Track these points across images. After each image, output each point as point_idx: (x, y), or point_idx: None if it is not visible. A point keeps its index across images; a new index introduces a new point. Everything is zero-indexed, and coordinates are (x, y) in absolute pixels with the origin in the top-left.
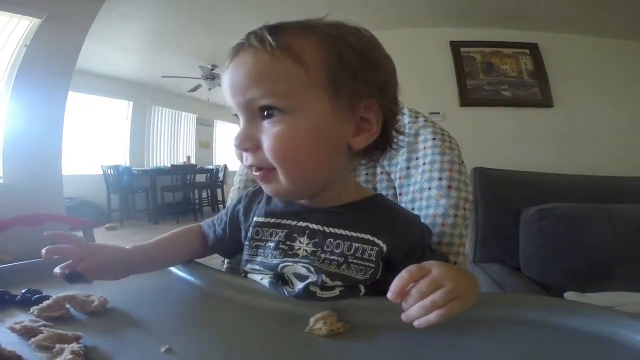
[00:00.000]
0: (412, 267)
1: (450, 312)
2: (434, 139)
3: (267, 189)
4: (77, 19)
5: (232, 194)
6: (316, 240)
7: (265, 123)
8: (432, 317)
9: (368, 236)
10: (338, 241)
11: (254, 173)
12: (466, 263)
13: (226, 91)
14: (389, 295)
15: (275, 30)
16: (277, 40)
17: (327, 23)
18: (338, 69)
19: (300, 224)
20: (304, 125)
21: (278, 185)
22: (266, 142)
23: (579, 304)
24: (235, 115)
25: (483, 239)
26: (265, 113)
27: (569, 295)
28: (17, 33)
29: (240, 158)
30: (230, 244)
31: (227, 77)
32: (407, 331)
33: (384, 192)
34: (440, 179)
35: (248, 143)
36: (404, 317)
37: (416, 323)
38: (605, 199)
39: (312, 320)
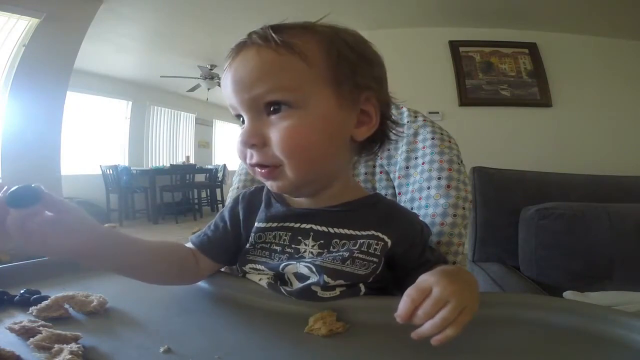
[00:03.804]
0: (412, 292)
1: (462, 324)
2: (433, 138)
3: (272, 185)
4: (75, 19)
5: (231, 194)
6: (322, 241)
7: (273, 118)
8: (449, 332)
9: (372, 232)
10: (344, 241)
11: (259, 170)
12: (465, 262)
13: (228, 89)
14: (397, 319)
15: (277, 28)
16: (280, 37)
17: (322, 24)
18: (338, 63)
19: (304, 225)
20: (312, 118)
21: (284, 181)
22: (275, 136)
23: (578, 304)
24: (238, 116)
25: (482, 239)
26: (272, 109)
27: (568, 294)
28: (15, 33)
29: (244, 157)
30: (232, 241)
31: (230, 75)
32: (406, 331)
33: (383, 192)
34: (439, 178)
35: (255, 139)
36: (414, 335)
37: (434, 340)
38: (605, 198)
39: (311, 320)
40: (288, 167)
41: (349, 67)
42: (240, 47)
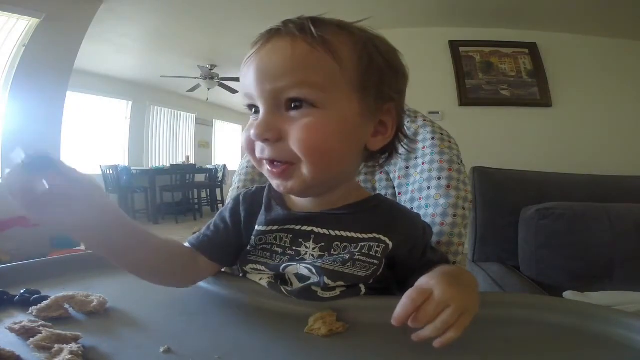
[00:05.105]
0: (412, 293)
1: (463, 327)
2: (433, 138)
3: (281, 185)
4: (75, 19)
5: (231, 194)
6: (323, 244)
7: (293, 113)
8: (451, 335)
9: (374, 234)
10: (345, 244)
11: (269, 168)
12: (465, 262)
13: (249, 78)
14: (394, 322)
15: (315, 22)
16: (318, 32)
17: (357, 26)
18: (368, 70)
19: (305, 228)
20: (333, 120)
21: (298, 180)
22: (295, 132)
23: (578, 304)
24: (250, 106)
25: (482, 239)
26: (293, 105)
27: (568, 294)
28: (15, 33)
29: (252, 150)
30: (233, 242)
31: (255, 63)
32: (406, 331)
33: (383, 192)
34: (439, 178)
35: (270, 134)
36: (415, 337)
37: (437, 343)
38: (605, 198)
39: (311, 320)
40: (305, 166)
41: (377, 75)
42: (272, 34)
